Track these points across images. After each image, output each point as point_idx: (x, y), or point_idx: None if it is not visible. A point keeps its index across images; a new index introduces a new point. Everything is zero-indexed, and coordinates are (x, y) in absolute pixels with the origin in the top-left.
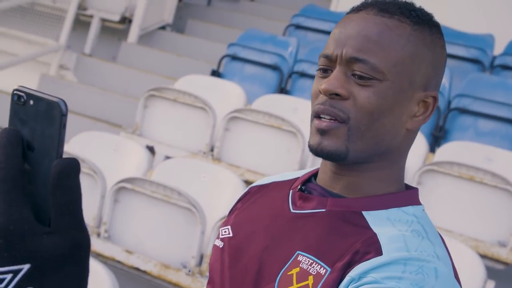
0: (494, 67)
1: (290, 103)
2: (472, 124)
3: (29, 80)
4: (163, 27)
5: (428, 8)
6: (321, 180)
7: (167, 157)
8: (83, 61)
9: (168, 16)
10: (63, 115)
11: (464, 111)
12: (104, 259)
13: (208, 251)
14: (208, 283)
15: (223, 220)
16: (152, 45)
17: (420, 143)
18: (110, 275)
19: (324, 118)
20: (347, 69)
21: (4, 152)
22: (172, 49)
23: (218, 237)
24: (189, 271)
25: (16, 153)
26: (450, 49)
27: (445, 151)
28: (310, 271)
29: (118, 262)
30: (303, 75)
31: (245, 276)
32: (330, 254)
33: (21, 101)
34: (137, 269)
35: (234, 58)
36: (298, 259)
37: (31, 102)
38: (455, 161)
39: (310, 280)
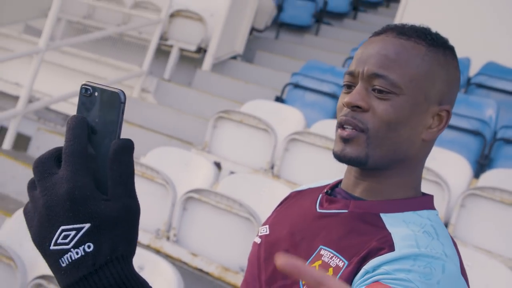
0: None
1: None
2: None
3: None
4: (234, 57)
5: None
6: (344, 185)
7: (232, 172)
8: (162, 85)
9: (239, 47)
10: (121, 103)
11: (509, 141)
12: (172, 260)
13: None
14: (245, 274)
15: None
16: (224, 72)
17: (465, 169)
18: (177, 274)
19: (346, 127)
20: (368, 84)
21: (72, 132)
22: (241, 76)
23: (257, 235)
24: None
25: (82, 133)
26: (497, 83)
27: (489, 178)
28: (330, 263)
29: (184, 263)
30: None
31: (276, 268)
32: (349, 249)
33: (88, 93)
34: (201, 270)
35: (296, 86)
36: (321, 253)
37: (96, 93)
38: (498, 186)
39: (330, 272)
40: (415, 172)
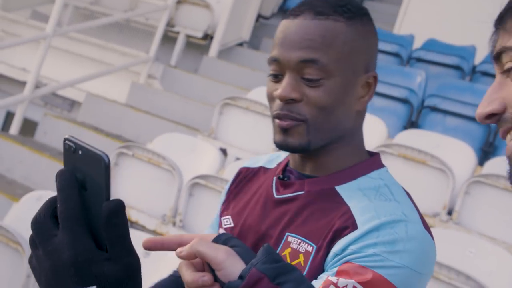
0: None
1: None
2: None
3: (122, 86)
4: (240, 44)
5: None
6: (292, 164)
7: (238, 159)
8: (168, 71)
9: (245, 34)
10: (106, 167)
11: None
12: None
13: None
14: None
15: (219, 209)
16: (230, 59)
17: (469, 156)
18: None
19: (283, 119)
20: (296, 73)
21: (63, 194)
22: (247, 63)
23: (221, 226)
24: None
25: (73, 193)
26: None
27: (493, 165)
28: (300, 250)
29: None
30: None
31: None
32: (314, 233)
33: (71, 150)
34: None
35: None
36: (288, 240)
37: (80, 152)
38: (502, 174)
39: (301, 258)
40: (356, 139)
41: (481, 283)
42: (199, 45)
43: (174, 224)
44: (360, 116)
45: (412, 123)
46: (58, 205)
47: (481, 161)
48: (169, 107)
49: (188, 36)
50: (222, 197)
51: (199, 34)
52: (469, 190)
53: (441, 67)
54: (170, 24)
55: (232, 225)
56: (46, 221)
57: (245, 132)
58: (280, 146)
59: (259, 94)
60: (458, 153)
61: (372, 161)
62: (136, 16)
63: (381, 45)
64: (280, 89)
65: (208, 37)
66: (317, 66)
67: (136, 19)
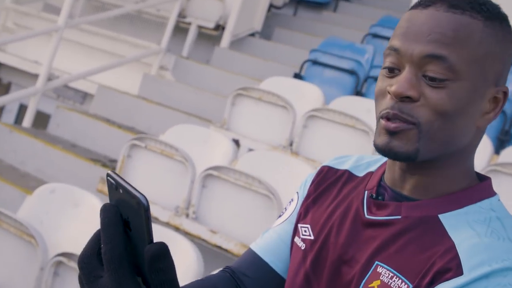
0: None
1: (365, 105)
2: None
3: (133, 78)
4: (252, 34)
5: None
6: (389, 179)
7: (250, 149)
8: (180, 62)
9: (257, 24)
10: (145, 210)
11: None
12: (191, 237)
13: None
14: (288, 280)
15: (297, 209)
16: (242, 50)
17: (486, 145)
18: (196, 251)
19: (392, 120)
20: (418, 69)
21: (108, 232)
22: (259, 54)
23: (298, 235)
24: None
25: (118, 232)
26: None
27: (510, 153)
28: (391, 285)
29: (203, 240)
30: (377, 79)
31: (329, 283)
32: (410, 269)
33: (113, 187)
34: (220, 247)
35: (315, 63)
36: (378, 270)
37: (121, 190)
38: None
39: None
40: (468, 161)
41: None
42: (211, 36)
43: (187, 215)
44: (479, 134)
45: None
46: (102, 245)
47: (497, 150)
48: (181, 98)
49: (199, 27)
50: (301, 197)
51: (211, 25)
52: None
53: None
54: (181, 15)
55: (312, 237)
56: (91, 261)
57: (257, 123)
58: (382, 150)
59: (272, 84)
60: None
61: (483, 187)
62: (147, 7)
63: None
64: (397, 84)
65: (220, 27)
66: (445, 64)
67: (148, 10)
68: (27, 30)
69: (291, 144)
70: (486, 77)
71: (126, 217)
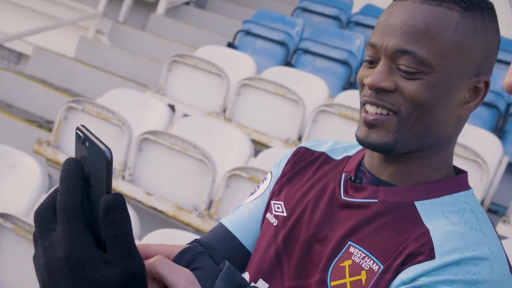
0: None
1: (294, 75)
2: None
3: (70, 41)
4: (187, 3)
5: None
6: (368, 164)
7: (186, 115)
8: (117, 27)
9: None
10: (108, 163)
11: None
12: (128, 199)
13: (217, 197)
14: (255, 252)
15: (270, 187)
16: (177, 17)
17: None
18: (132, 212)
19: (371, 111)
20: (392, 62)
21: (65, 183)
22: (194, 22)
23: (270, 211)
24: (199, 213)
25: (76, 185)
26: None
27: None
28: (363, 265)
29: (139, 202)
30: (306, 51)
31: (300, 260)
32: (383, 250)
33: (80, 140)
34: (155, 209)
35: (248, 33)
36: (350, 250)
37: (87, 144)
38: None
39: (363, 275)
40: (448, 151)
41: None
42: (147, 3)
43: (123, 178)
44: (459, 124)
45: (350, 84)
46: (58, 196)
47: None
48: (118, 62)
49: None
50: (274, 176)
51: None
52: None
53: None
54: None
55: (285, 214)
56: (47, 214)
57: (192, 89)
58: (361, 142)
59: (206, 52)
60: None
61: (459, 180)
62: None
63: (322, 8)
64: (370, 76)
65: None
66: (414, 59)
67: None
68: None
69: (224, 111)
70: (463, 68)
71: (88, 174)
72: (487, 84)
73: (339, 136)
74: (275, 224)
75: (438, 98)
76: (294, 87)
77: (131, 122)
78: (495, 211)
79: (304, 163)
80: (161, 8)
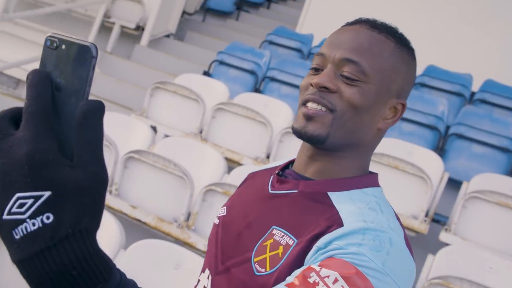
0: None
1: (262, 101)
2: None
3: None
4: (168, 36)
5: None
6: (296, 166)
7: (166, 136)
8: (105, 57)
9: (172, 27)
10: (93, 57)
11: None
12: (114, 211)
13: (195, 210)
14: (206, 252)
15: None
16: (159, 48)
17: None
18: (118, 224)
19: (311, 107)
20: (337, 69)
21: (35, 90)
22: (174, 52)
23: (216, 216)
24: (179, 224)
25: (45, 91)
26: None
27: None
28: (281, 242)
29: (125, 214)
30: (273, 79)
31: (231, 246)
32: (298, 228)
33: (53, 46)
34: (139, 220)
35: (221, 63)
36: (273, 232)
37: (63, 46)
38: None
39: (280, 249)
40: (366, 157)
41: None
42: (132, 35)
43: (110, 192)
44: (378, 136)
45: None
46: (26, 101)
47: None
48: (106, 88)
49: (122, 27)
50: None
51: (132, 25)
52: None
53: None
54: (106, 15)
55: (224, 213)
56: (3, 121)
57: (172, 112)
58: (298, 132)
59: (185, 80)
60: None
61: (370, 178)
62: (76, 7)
63: (286, 42)
64: (317, 77)
65: (140, 28)
66: (358, 68)
67: (76, 10)
68: None
69: (201, 132)
70: (390, 87)
71: (56, 81)
72: (403, 106)
73: None
74: (217, 223)
75: (369, 106)
76: (263, 111)
77: (118, 142)
78: (437, 221)
79: (249, 182)
80: (144, 40)
